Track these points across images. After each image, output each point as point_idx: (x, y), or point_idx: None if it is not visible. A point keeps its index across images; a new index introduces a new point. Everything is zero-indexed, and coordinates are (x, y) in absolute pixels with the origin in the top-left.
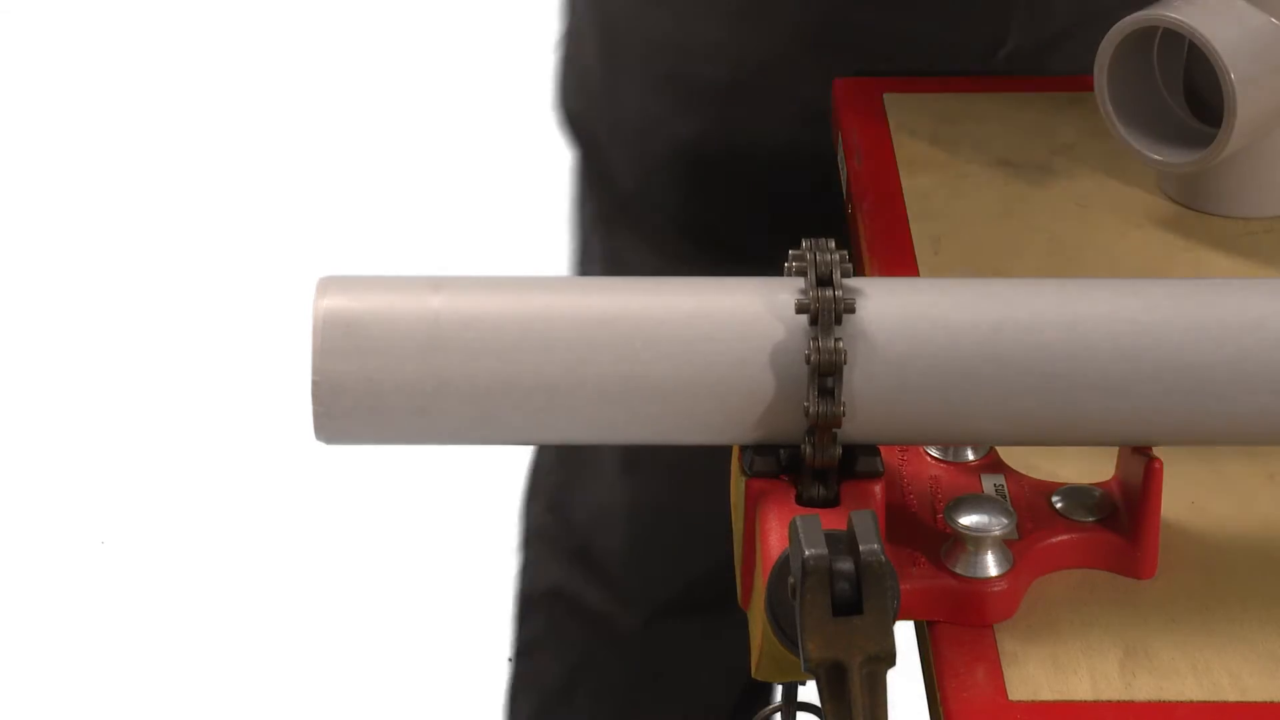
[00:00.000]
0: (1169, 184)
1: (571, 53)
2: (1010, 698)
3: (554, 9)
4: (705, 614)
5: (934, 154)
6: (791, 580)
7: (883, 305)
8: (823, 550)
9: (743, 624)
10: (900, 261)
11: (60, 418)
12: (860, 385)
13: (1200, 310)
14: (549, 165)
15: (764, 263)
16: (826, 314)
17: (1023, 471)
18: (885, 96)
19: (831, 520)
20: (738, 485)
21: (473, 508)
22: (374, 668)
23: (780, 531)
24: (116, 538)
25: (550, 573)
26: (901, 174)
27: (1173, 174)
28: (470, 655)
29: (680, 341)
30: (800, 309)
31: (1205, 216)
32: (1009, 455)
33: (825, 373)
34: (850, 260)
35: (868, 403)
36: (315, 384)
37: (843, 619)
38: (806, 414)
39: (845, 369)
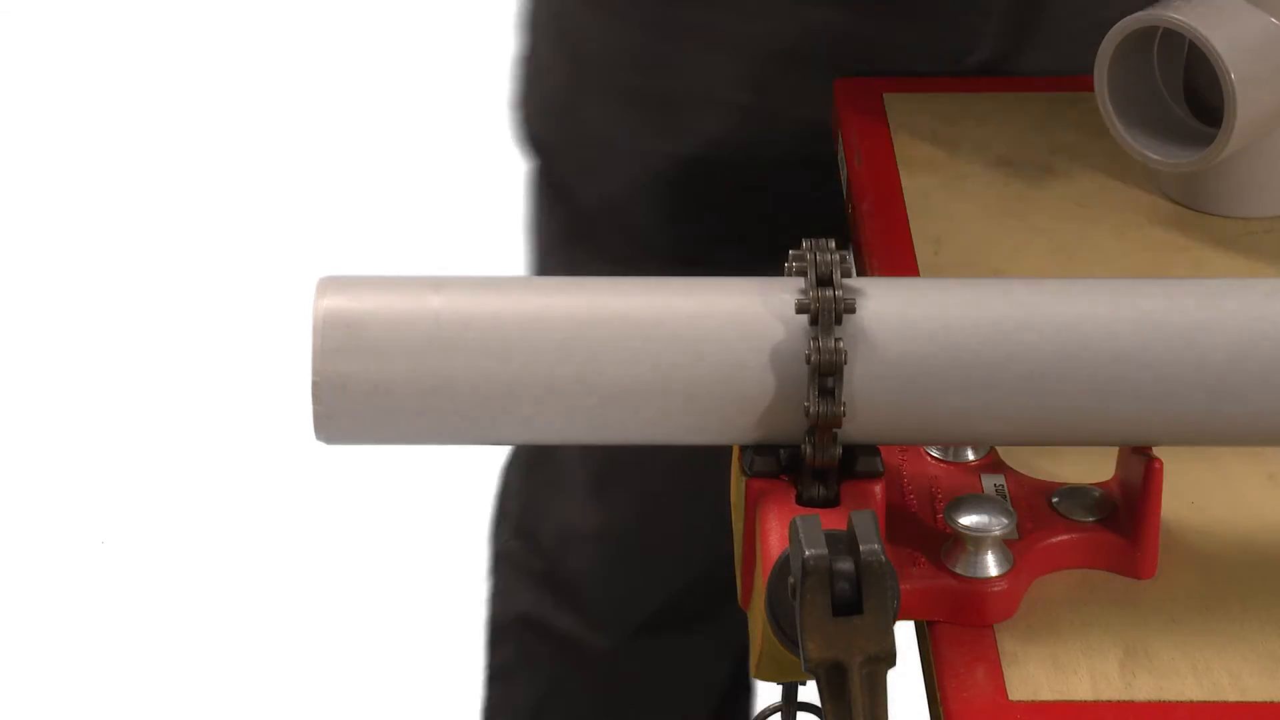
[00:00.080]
0: (1169, 184)
1: (532, 71)
2: (1010, 698)
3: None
4: (676, 634)
5: (934, 154)
6: (791, 580)
7: (883, 305)
8: (823, 550)
9: (714, 643)
10: (900, 261)
11: (60, 418)
12: (860, 385)
13: (1200, 310)
14: None
15: None
16: (826, 314)
17: (1023, 471)
18: (885, 96)
19: (831, 520)
20: (738, 485)
21: (466, 521)
22: (354, 684)
23: (780, 531)
24: (116, 538)
25: (519, 598)
26: (901, 174)
27: (1173, 174)
28: (445, 679)
29: (680, 341)
30: (800, 309)
31: (1205, 216)
32: (1009, 455)
33: (825, 373)
34: (850, 260)
35: (868, 403)
36: (315, 384)
37: (843, 619)
38: (806, 414)
39: (845, 369)
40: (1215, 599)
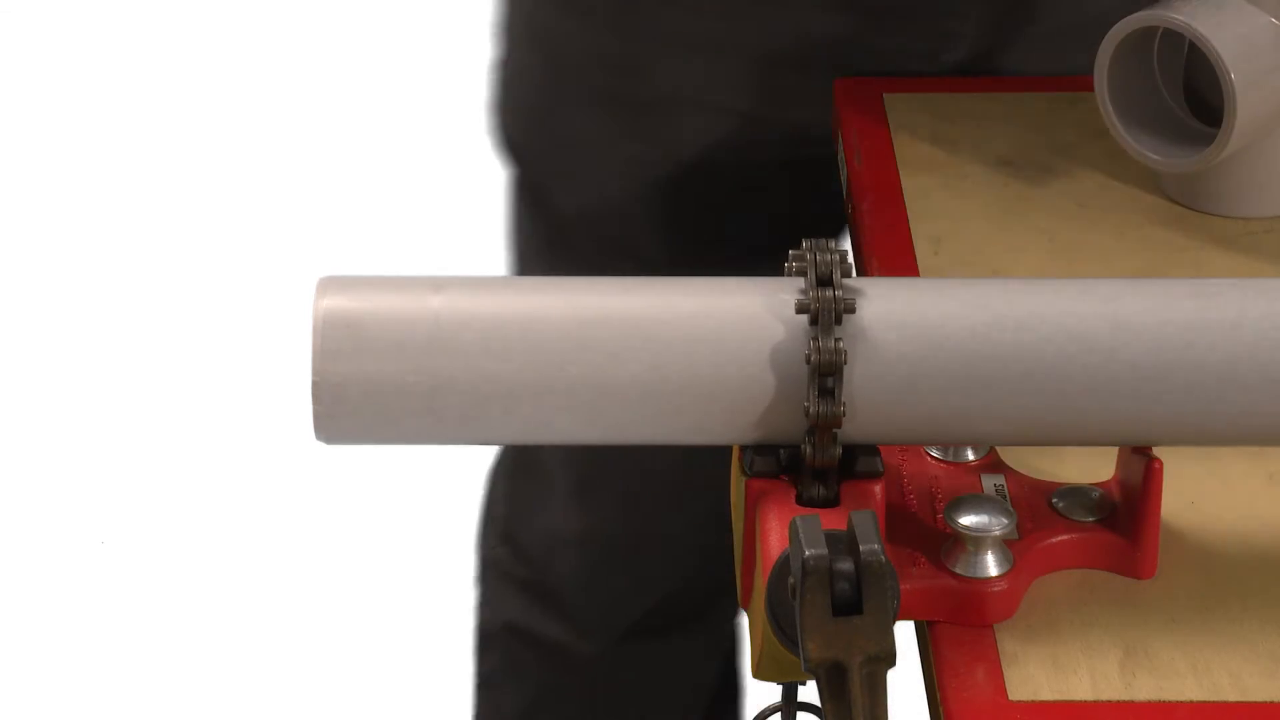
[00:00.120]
0: (1169, 184)
1: (507, 75)
2: (1010, 698)
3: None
4: (664, 638)
5: (934, 154)
6: (791, 580)
7: (883, 305)
8: (823, 550)
9: (702, 644)
10: (900, 261)
11: (60, 418)
12: (860, 385)
13: (1200, 310)
14: None
15: None
16: (826, 314)
17: (1023, 471)
18: (885, 96)
19: (831, 520)
20: (738, 485)
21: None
22: (349, 689)
23: (780, 531)
24: (116, 538)
25: (506, 606)
26: (901, 174)
27: (1173, 174)
28: (438, 686)
29: (680, 341)
30: (800, 309)
31: (1205, 216)
32: (1009, 455)
33: (825, 373)
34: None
35: (868, 403)
36: (315, 384)
37: (843, 619)
38: (806, 414)
39: (845, 369)
40: (1215, 599)
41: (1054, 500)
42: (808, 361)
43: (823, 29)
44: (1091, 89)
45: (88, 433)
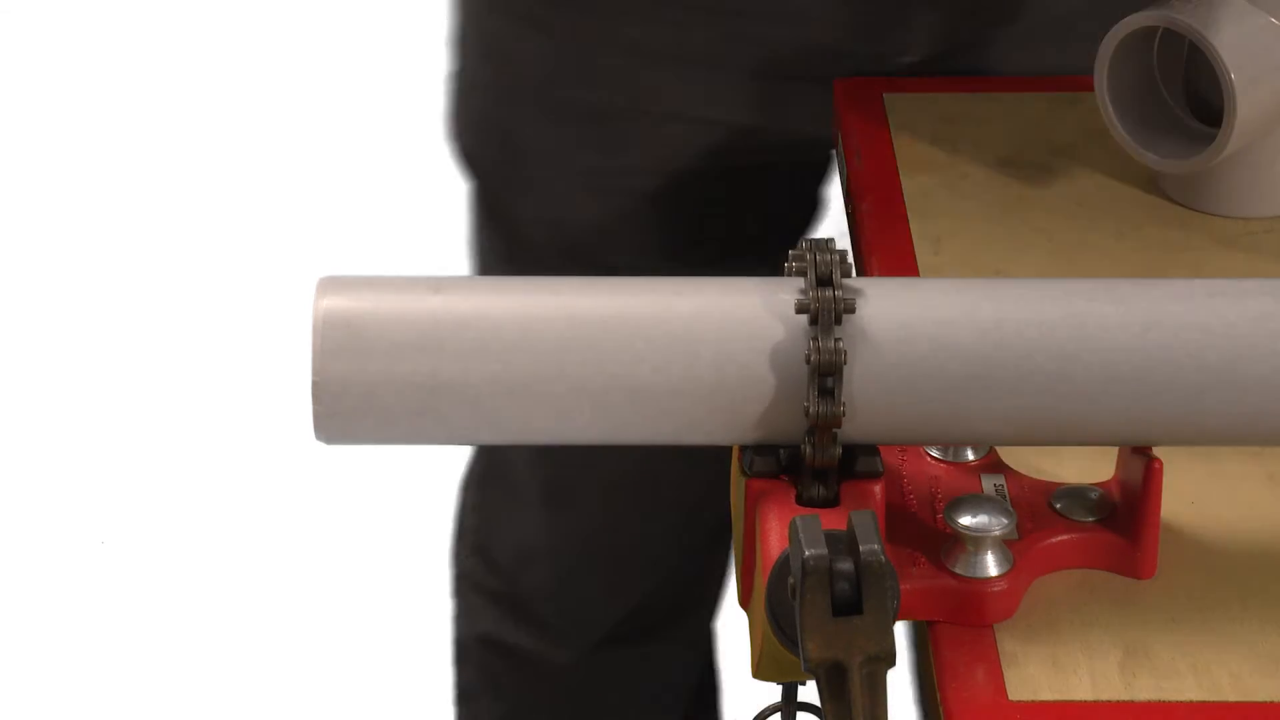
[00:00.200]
0: (1169, 184)
1: (463, 88)
2: (1010, 698)
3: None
4: (639, 644)
5: (934, 154)
6: (791, 580)
7: (883, 305)
8: (823, 550)
9: (678, 648)
10: (900, 261)
11: (60, 417)
12: (860, 385)
13: (1200, 310)
14: None
15: None
16: (826, 314)
17: (1023, 471)
18: (885, 96)
19: (831, 520)
20: (738, 485)
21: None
22: (343, 692)
23: (780, 531)
24: (116, 538)
25: (479, 618)
26: (901, 174)
27: (1173, 174)
28: (426, 697)
29: (680, 341)
30: (800, 309)
31: (1205, 216)
32: (1009, 455)
33: (825, 373)
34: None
35: (868, 403)
36: (315, 384)
37: (843, 619)
38: (806, 414)
39: (845, 369)
40: (1215, 599)
41: (1054, 500)
42: (808, 361)
43: (778, 36)
44: (1091, 89)
45: (88, 433)
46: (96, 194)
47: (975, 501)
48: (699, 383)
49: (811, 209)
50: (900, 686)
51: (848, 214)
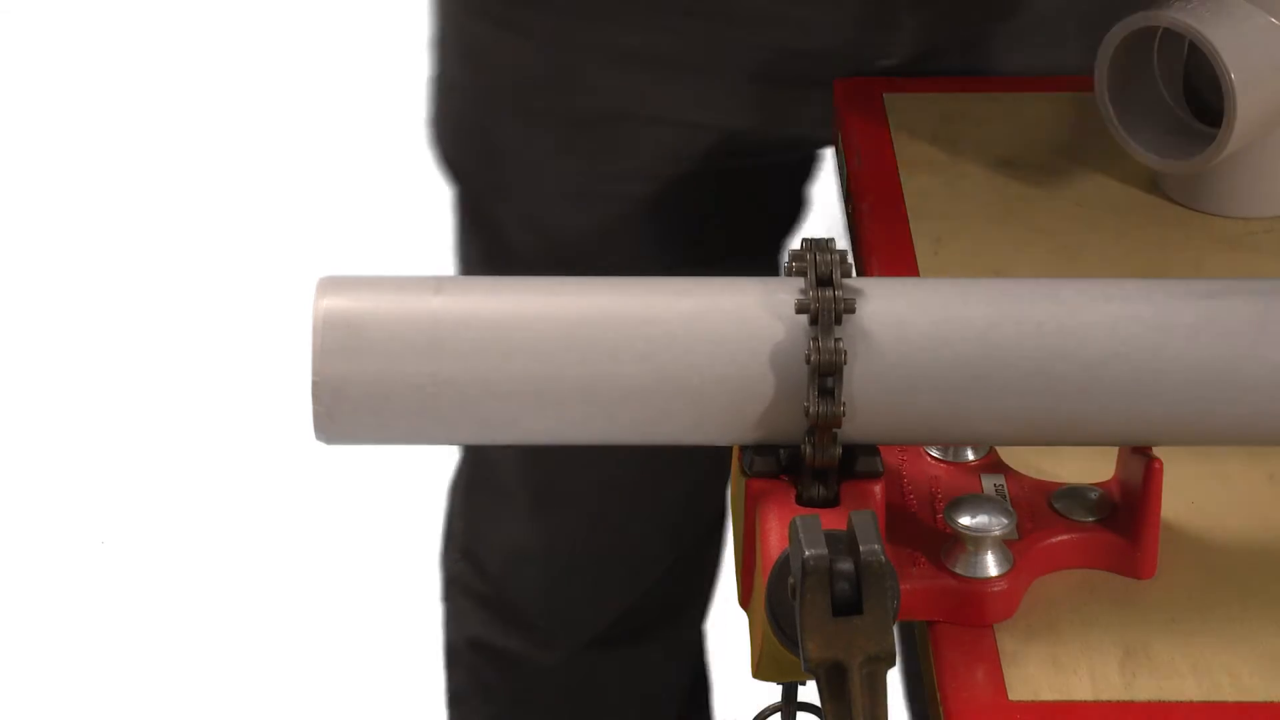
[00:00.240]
0: (1169, 184)
1: (442, 92)
2: (1010, 698)
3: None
4: (629, 645)
5: (934, 154)
6: (791, 580)
7: (883, 305)
8: (823, 550)
9: (668, 648)
10: (900, 261)
11: (60, 417)
12: (860, 385)
13: (1200, 310)
14: None
15: None
16: (826, 314)
17: (1023, 471)
18: (885, 96)
19: (831, 520)
20: (738, 485)
21: None
22: (339, 693)
23: (780, 531)
24: (116, 538)
25: (468, 621)
26: (901, 174)
27: (1173, 174)
28: (421, 700)
29: (680, 341)
30: (800, 309)
31: (1205, 216)
32: (1009, 455)
33: (825, 373)
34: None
35: (868, 403)
36: (315, 384)
37: (843, 619)
38: (806, 414)
39: (845, 369)
40: (1215, 599)
41: (1054, 500)
42: (808, 361)
43: (761, 40)
44: (1091, 89)
45: (88, 433)
46: (96, 194)
47: (975, 501)
48: (699, 383)
49: (798, 209)
50: (891, 686)
51: (847, 214)
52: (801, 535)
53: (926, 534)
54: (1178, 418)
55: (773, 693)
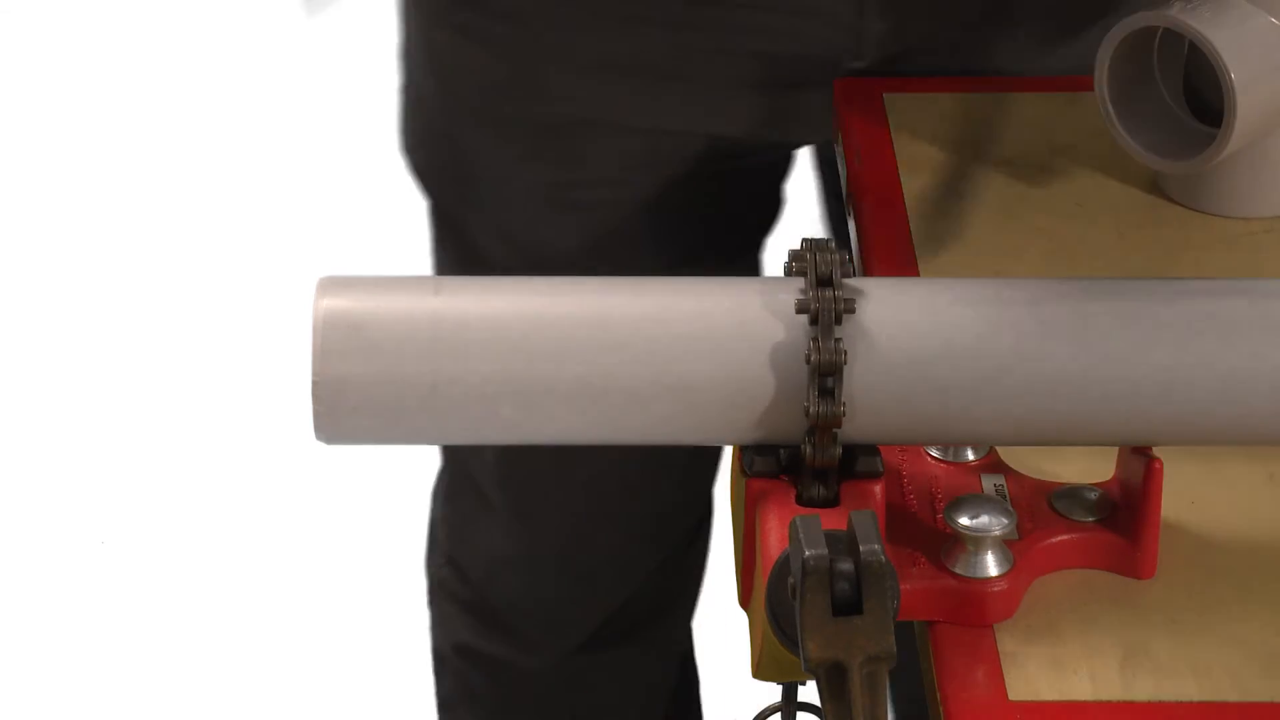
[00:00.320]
0: (1169, 184)
1: (410, 103)
2: (1010, 698)
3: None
4: (615, 649)
5: (934, 154)
6: (791, 580)
7: (883, 305)
8: (823, 550)
9: (656, 649)
10: (900, 261)
11: (60, 417)
12: (860, 385)
13: (1201, 310)
14: None
15: None
16: (826, 314)
17: (1023, 471)
18: (885, 96)
19: (831, 520)
20: (738, 485)
21: None
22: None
23: (780, 531)
24: (116, 538)
25: (454, 627)
26: (901, 174)
27: (1173, 174)
28: (409, 704)
29: (680, 341)
30: (800, 309)
31: (1205, 216)
32: (1009, 455)
33: (825, 373)
34: (850, 260)
35: (868, 403)
36: (315, 384)
37: (843, 619)
38: (806, 414)
39: (845, 369)
40: (1215, 599)
41: (1054, 500)
42: (808, 361)
43: (731, 45)
44: (1091, 89)
45: (88, 433)
46: (96, 194)
47: (975, 501)
48: (699, 383)
49: (775, 208)
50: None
51: (848, 214)
52: (801, 535)
53: (926, 534)
54: (1178, 418)
55: (772, 692)
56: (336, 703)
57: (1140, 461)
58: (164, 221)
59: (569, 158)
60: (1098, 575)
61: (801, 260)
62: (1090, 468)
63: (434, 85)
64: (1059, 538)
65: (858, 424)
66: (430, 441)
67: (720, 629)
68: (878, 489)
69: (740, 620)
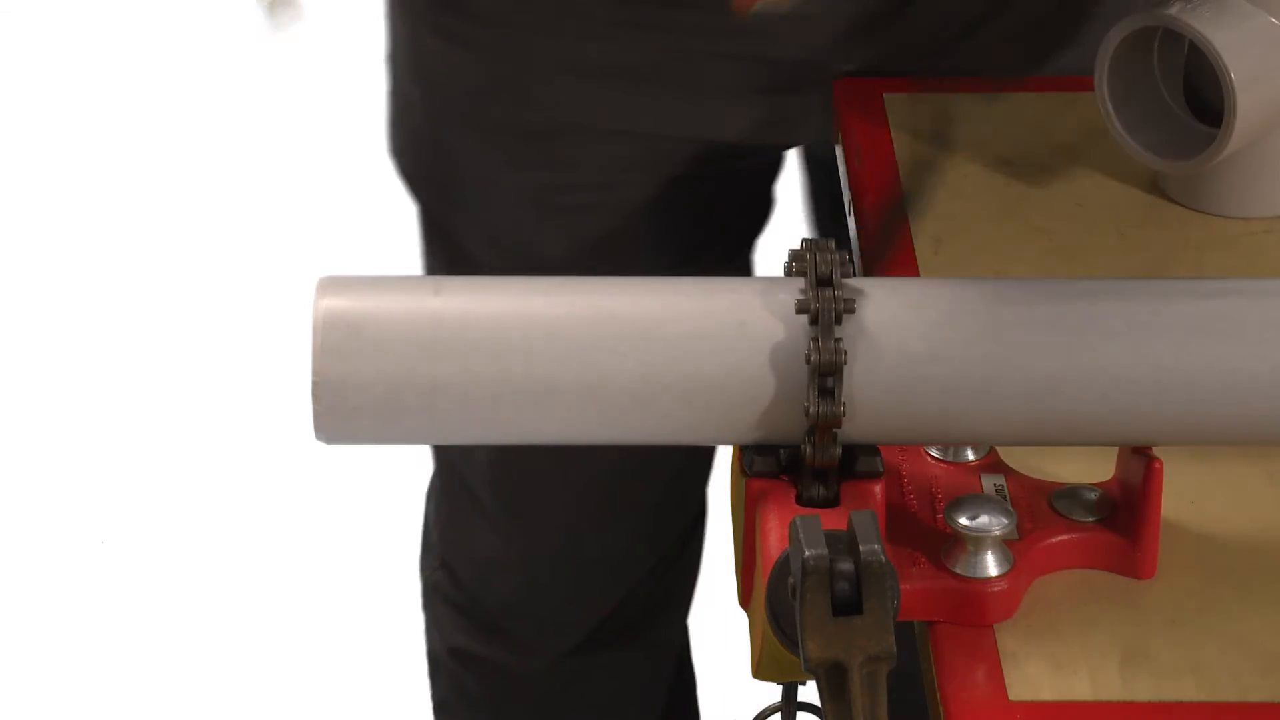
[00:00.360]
0: (1169, 184)
1: (398, 108)
2: (1010, 698)
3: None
4: (610, 651)
5: (934, 154)
6: (791, 580)
7: (883, 305)
8: (823, 550)
9: (651, 649)
10: (900, 261)
11: (60, 417)
12: (860, 385)
13: (1200, 310)
14: None
15: None
16: (826, 314)
17: (1023, 471)
18: (885, 96)
19: (831, 520)
20: (738, 485)
21: None
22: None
23: (780, 531)
24: (116, 538)
25: (450, 630)
26: (901, 174)
27: (1173, 174)
28: (406, 706)
29: (680, 341)
30: (800, 309)
31: (1205, 216)
32: (1009, 455)
33: (825, 373)
34: (849, 260)
35: (868, 403)
36: (315, 384)
37: (843, 619)
38: (806, 414)
39: (845, 369)
40: (1215, 599)
41: (1054, 500)
42: (808, 361)
43: (719, 50)
44: (1091, 89)
45: (88, 433)
46: (96, 194)
47: (975, 501)
48: (699, 383)
49: (766, 208)
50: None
51: (848, 214)
52: (801, 535)
53: (926, 534)
54: (1178, 418)
55: (772, 692)
56: (334, 704)
57: (1140, 461)
58: (163, 222)
59: (555, 162)
60: (1098, 575)
61: (801, 260)
62: (1090, 468)
63: (421, 90)
64: (1059, 538)
65: (858, 424)
66: (430, 441)
67: (719, 629)
68: (878, 489)
69: (739, 620)
